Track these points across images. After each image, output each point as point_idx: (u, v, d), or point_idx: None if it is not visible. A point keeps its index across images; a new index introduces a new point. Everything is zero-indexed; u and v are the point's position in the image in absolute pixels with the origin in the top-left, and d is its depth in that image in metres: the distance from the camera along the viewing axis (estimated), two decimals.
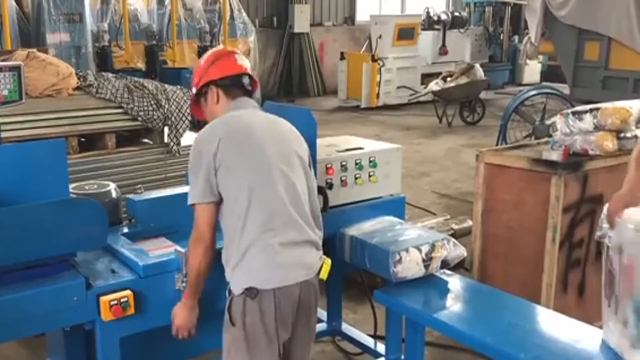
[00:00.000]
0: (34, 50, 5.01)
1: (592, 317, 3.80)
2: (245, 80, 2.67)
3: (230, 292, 2.40)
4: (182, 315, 2.52)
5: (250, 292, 2.32)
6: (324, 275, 2.50)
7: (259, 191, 2.39)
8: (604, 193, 3.85)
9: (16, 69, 3.17)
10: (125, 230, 2.99)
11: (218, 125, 2.50)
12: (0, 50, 7.96)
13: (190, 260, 2.44)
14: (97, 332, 2.49)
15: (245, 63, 2.70)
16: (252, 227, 2.35)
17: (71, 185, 2.89)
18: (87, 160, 4.34)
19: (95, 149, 4.46)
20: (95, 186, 3.11)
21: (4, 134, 3.53)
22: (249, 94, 2.69)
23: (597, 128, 3.71)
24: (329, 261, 2.52)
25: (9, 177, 2.51)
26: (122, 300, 2.44)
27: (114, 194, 3.09)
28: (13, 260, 2.34)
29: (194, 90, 2.68)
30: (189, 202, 2.42)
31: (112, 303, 2.42)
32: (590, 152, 3.74)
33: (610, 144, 3.72)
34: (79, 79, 4.77)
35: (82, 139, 4.47)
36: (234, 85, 2.63)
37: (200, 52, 10.72)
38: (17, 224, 2.31)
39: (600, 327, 2.47)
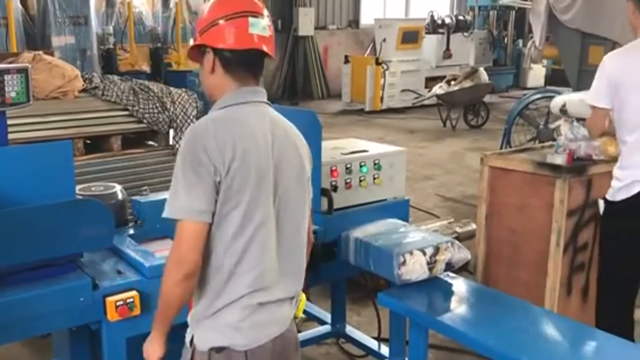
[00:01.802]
0: (40, 52, 5.05)
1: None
2: (258, 60, 2.04)
3: (192, 342, 2.02)
4: (153, 352, 2.05)
5: (218, 350, 1.97)
6: (299, 313, 2.18)
7: (260, 238, 1.93)
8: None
9: (24, 71, 3.18)
10: (131, 231, 3.01)
11: (233, 125, 1.93)
12: (6, 53, 8.00)
13: (165, 284, 1.92)
14: (103, 333, 2.50)
15: (265, 31, 2.01)
16: (238, 282, 1.93)
17: (77, 187, 2.90)
18: (93, 162, 4.36)
19: (101, 150, 4.48)
20: (102, 188, 3.13)
21: (11, 136, 3.55)
22: (259, 77, 2.15)
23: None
24: (304, 297, 2.19)
25: (16, 178, 2.53)
26: (128, 300, 2.45)
27: (119, 196, 3.11)
28: (19, 261, 2.36)
29: (191, 41, 2.30)
30: (174, 214, 1.86)
31: (118, 303, 2.43)
32: (595, 157, 3.74)
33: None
34: (84, 81, 4.80)
35: (88, 141, 4.50)
36: (241, 64, 2.00)
37: None
38: (23, 224, 2.33)
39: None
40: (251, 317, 1.96)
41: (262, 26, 2.01)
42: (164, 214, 1.88)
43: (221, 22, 1.97)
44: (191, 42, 1.98)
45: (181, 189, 1.85)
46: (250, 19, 1.98)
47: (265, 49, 2.01)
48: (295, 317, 2.15)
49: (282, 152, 2.00)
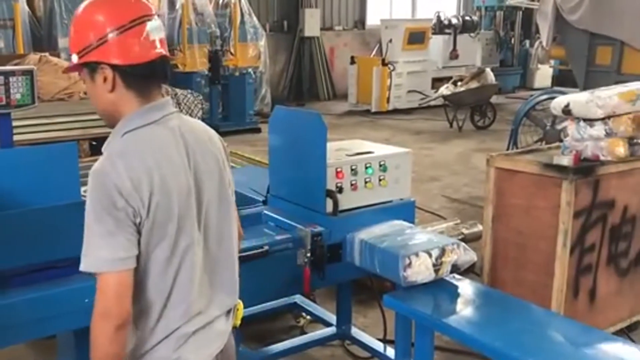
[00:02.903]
0: (46, 54, 5.07)
1: (603, 323, 3.79)
2: (164, 66, 1.81)
3: None
4: None
5: None
6: (237, 322, 2.04)
7: (187, 265, 1.79)
8: (615, 198, 3.84)
9: (29, 73, 3.19)
10: None
11: (144, 154, 1.72)
12: (12, 54, 8.04)
13: (98, 344, 1.71)
14: None
15: (162, 31, 1.81)
16: (170, 316, 1.79)
17: (82, 188, 2.90)
18: None
19: None
20: None
21: (17, 137, 3.56)
22: (166, 82, 1.94)
23: (609, 135, 3.69)
24: (241, 305, 2.05)
25: (22, 180, 2.53)
26: None
27: None
28: (24, 262, 2.36)
29: (73, 57, 1.80)
30: (95, 268, 1.68)
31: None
32: (602, 158, 3.72)
33: (622, 149, 3.70)
34: None
35: (94, 142, 4.51)
36: (146, 76, 1.78)
37: (211, 56, 10.79)
38: (29, 226, 2.33)
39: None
40: (189, 344, 1.83)
41: (158, 27, 1.79)
42: (83, 268, 1.70)
43: (113, 35, 1.71)
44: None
45: (99, 239, 1.67)
46: (148, 24, 1.76)
47: (166, 52, 1.81)
48: (234, 327, 2.03)
49: (200, 164, 1.84)
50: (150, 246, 1.73)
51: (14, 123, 3.35)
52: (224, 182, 1.93)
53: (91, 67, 1.76)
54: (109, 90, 1.76)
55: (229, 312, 1.97)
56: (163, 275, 1.77)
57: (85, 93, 4.70)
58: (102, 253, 1.67)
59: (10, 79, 3.11)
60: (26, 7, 9.94)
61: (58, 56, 8.26)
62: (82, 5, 1.80)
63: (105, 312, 1.69)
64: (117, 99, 1.77)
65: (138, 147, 1.73)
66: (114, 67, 1.73)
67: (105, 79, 1.75)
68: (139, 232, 1.70)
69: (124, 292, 1.69)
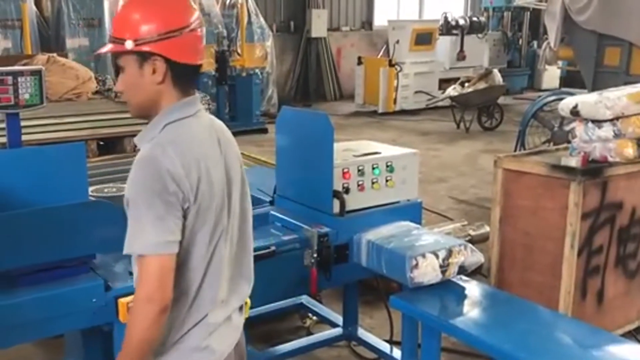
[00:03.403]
0: (54, 54, 5.09)
1: (611, 325, 3.78)
2: (200, 69, 1.93)
3: None
4: None
5: None
6: (246, 314, 2.12)
7: (219, 253, 1.88)
8: (623, 200, 3.82)
9: (37, 73, 3.21)
10: None
11: (191, 144, 1.82)
12: (20, 55, 8.07)
13: (138, 328, 1.75)
14: (115, 334, 2.51)
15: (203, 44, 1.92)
16: (201, 302, 1.87)
17: (90, 188, 2.92)
18: (106, 163, 4.39)
19: (115, 152, 4.52)
20: (114, 189, 3.14)
21: (25, 137, 3.57)
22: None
23: (617, 136, 3.67)
24: (248, 300, 2.11)
25: (30, 180, 2.54)
26: None
27: None
28: (32, 262, 2.37)
29: (127, 44, 1.79)
30: (143, 251, 1.73)
31: (131, 305, 2.43)
32: (610, 159, 3.71)
33: (631, 150, 3.69)
34: (98, 83, 4.83)
35: (102, 143, 4.53)
36: (190, 75, 1.89)
37: (218, 56, 10.80)
38: (37, 225, 2.34)
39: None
40: (216, 333, 1.90)
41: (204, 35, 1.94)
42: (129, 251, 1.75)
43: (177, 33, 1.79)
44: (127, 45, 1.80)
45: (148, 223, 1.71)
46: (202, 30, 1.90)
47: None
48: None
49: (229, 159, 1.94)
50: (193, 232, 1.80)
51: (23, 123, 3.36)
52: (245, 179, 2.03)
53: (143, 57, 1.80)
54: (157, 82, 1.82)
55: (241, 307, 2.04)
56: (201, 261, 1.84)
57: (94, 93, 4.72)
58: (151, 236, 1.71)
59: (19, 79, 3.13)
60: (34, 8, 9.97)
61: (66, 56, 8.29)
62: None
63: (149, 296, 1.73)
64: (162, 91, 1.84)
65: (184, 137, 1.81)
66: (168, 62, 1.80)
67: (154, 71, 1.81)
68: (185, 218, 1.77)
69: (168, 276, 1.74)
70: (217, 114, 10.60)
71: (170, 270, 1.74)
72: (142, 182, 1.74)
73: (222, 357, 1.93)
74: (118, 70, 1.88)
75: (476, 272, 3.74)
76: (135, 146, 1.90)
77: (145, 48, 1.79)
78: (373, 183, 3.33)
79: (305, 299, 4.17)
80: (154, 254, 1.72)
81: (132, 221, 1.75)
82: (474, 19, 15.09)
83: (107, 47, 1.87)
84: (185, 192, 1.75)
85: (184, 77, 1.86)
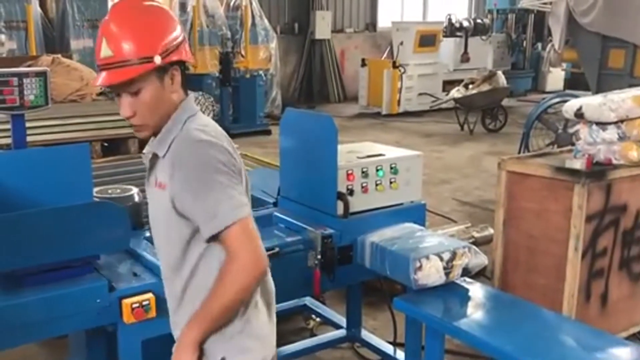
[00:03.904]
0: (59, 55, 5.10)
1: (615, 328, 3.77)
2: None
3: None
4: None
5: None
6: None
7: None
8: (628, 202, 3.81)
9: (42, 74, 3.21)
10: (148, 234, 3.01)
11: (217, 126, 1.90)
12: (25, 56, 8.09)
13: (239, 288, 1.75)
14: (119, 335, 2.51)
15: None
16: (267, 290, 1.98)
17: (95, 189, 2.92)
18: (110, 164, 4.40)
19: (119, 153, 4.52)
20: (118, 190, 3.15)
21: (30, 138, 3.58)
22: None
23: (622, 138, 3.67)
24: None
25: (34, 181, 2.55)
26: (144, 303, 2.46)
27: (136, 198, 3.12)
28: (37, 262, 2.38)
29: (157, 59, 1.76)
30: (239, 214, 1.73)
31: (134, 306, 2.44)
32: (614, 162, 3.70)
33: (635, 153, 3.68)
34: None
35: (106, 144, 4.53)
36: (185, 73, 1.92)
37: (222, 58, 10.81)
38: (41, 226, 2.34)
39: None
40: (269, 322, 1.96)
41: None
42: (223, 223, 1.71)
43: (184, 35, 1.87)
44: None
45: (224, 194, 1.72)
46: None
47: None
48: None
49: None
50: None
51: (27, 124, 3.37)
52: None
53: (164, 69, 1.79)
54: (175, 90, 1.84)
55: None
56: None
57: (98, 95, 4.74)
58: (234, 202, 1.72)
59: (24, 80, 3.13)
60: (39, 9, 10.00)
61: (70, 58, 8.31)
62: (142, 10, 1.82)
63: (255, 259, 1.74)
64: (177, 98, 1.86)
65: (212, 123, 1.87)
66: (181, 66, 1.85)
67: (172, 79, 1.82)
68: None
69: (259, 238, 1.78)
70: (221, 115, 10.62)
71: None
72: (205, 159, 1.74)
73: (273, 350, 1.95)
74: (119, 94, 1.83)
75: (480, 274, 3.74)
76: (156, 154, 1.87)
77: (175, 57, 1.81)
78: (377, 185, 3.33)
79: (308, 300, 4.18)
80: (246, 216, 1.74)
81: (209, 199, 1.72)
82: (478, 20, 15.08)
83: (130, 71, 1.76)
84: (237, 167, 1.80)
85: (185, 75, 1.89)
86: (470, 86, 11.32)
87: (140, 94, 1.79)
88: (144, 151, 1.97)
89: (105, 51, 1.75)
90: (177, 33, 1.82)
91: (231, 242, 1.73)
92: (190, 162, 1.75)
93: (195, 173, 1.74)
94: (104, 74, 1.78)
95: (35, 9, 9.60)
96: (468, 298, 2.92)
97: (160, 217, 1.89)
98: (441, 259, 2.90)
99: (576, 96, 5.14)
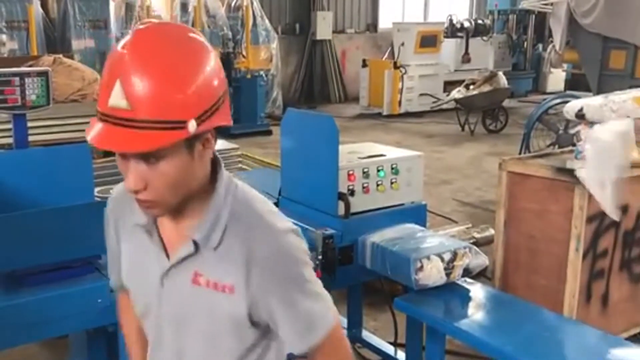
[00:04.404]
0: (60, 56, 5.10)
1: (616, 328, 3.77)
2: None
3: None
4: None
5: None
6: None
7: None
8: (629, 203, 3.81)
9: (44, 74, 3.22)
10: None
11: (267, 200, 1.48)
12: (27, 56, 8.11)
13: None
14: (120, 335, 2.51)
15: None
16: None
17: (96, 189, 2.93)
18: (111, 164, 4.39)
19: None
20: None
21: (31, 138, 3.59)
22: None
23: None
24: None
25: (36, 180, 2.56)
26: None
27: None
28: (38, 262, 2.38)
29: (191, 126, 1.22)
30: (331, 324, 1.44)
31: None
32: None
33: (636, 154, 3.68)
34: None
35: None
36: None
37: (223, 58, 10.82)
38: (43, 226, 2.35)
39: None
40: None
41: None
42: (325, 332, 1.43)
43: (225, 86, 1.33)
44: (191, 128, 1.22)
45: (321, 293, 1.44)
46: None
47: None
48: None
49: None
50: None
51: (29, 124, 3.38)
52: None
53: (195, 137, 1.26)
54: (205, 160, 1.34)
55: None
56: None
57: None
58: (330, 304, 1.46)
59: (26, 80, 3.14)
60: (40, 9, 10.02)
61: (72, 58, 8.33)
62: (181, 46, 1.27)
63: None
64: (207, 166, 1.36)
65: (267, 205, 1.45)
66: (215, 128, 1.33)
67: (204, 146, 1.30)
68: None
69: None
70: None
71: None
72: (297, 254, 1.40)
73: None
74: (124, 155, 1.28)
75: (480, 275, 3.74)
76: (197, 244, 1.37)
77: (215, 123, 1.29)
78: (378, 185, 3.33)
79: None
80: (338, 320, 1.48)
81: (309, 302, 1.41)
82: (479, 21, 15.06)
83: (152, 138, 1.20)
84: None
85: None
86: (471, 87, 11.31)
87: (159, 163, 1.26)
88: (140, 222, 1.44)
89: (117, 100, 1.20)
90: (220, 83, 1.29)
91: (323, 358, 1.46)
92: (274, 259, 1.36)
93: (283, 273, 1.38)
94: (106, 128, 1.23)
95: (36, 9, 9.63)
96: (469, 299, 2.92)
97: (203, 321, 1.41)
98: (442, 260, 2.90)
99: (577, 97, 5.14)
